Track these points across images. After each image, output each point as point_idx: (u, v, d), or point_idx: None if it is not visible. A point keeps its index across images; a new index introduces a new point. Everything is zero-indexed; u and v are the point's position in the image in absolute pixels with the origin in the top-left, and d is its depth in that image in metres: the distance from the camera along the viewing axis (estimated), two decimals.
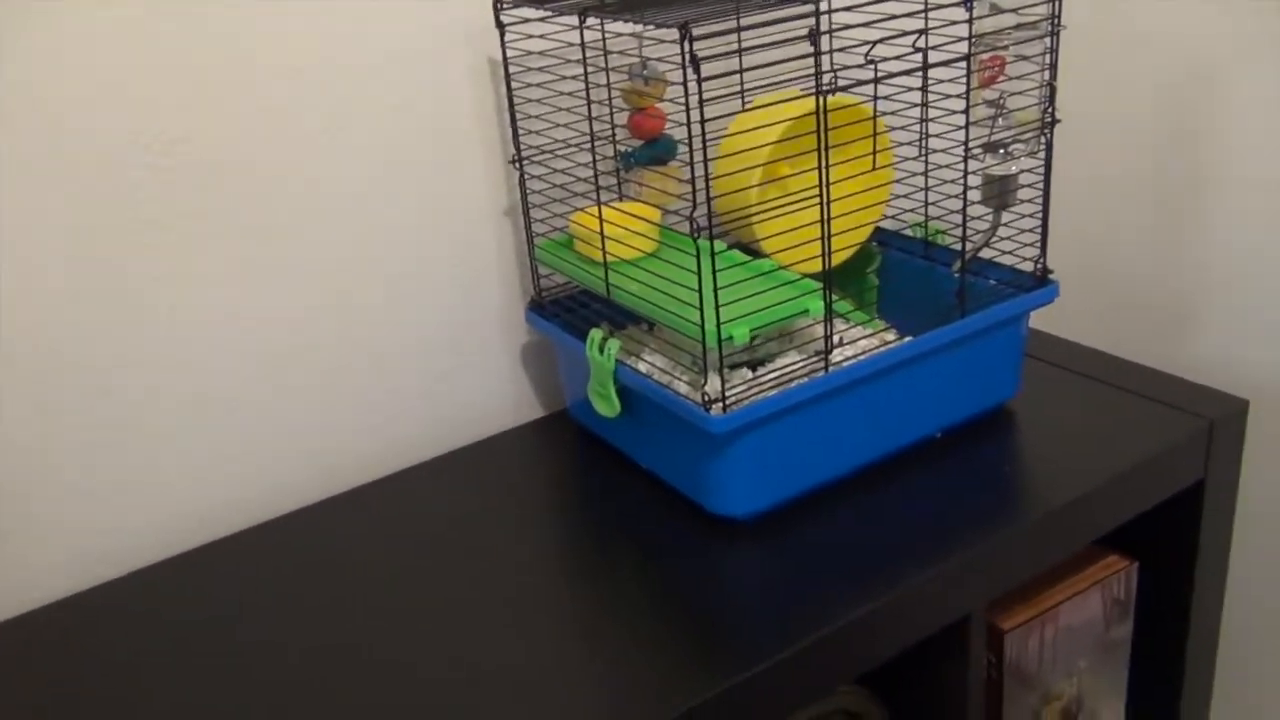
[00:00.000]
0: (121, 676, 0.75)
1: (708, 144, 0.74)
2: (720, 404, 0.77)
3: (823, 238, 0.80)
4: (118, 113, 0.80)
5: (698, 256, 0.76)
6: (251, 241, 0.88)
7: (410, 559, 0.84)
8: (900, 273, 1.03)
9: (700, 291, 0.76)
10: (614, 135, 0.93)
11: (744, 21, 0.74)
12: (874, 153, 0.87)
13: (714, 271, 0.75)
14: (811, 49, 0.73)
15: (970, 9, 0.80)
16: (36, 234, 0.79)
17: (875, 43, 0.77)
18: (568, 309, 0.97)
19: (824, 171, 0.77)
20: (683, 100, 0.71)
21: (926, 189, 0.98)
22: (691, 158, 0.73)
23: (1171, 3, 1.10)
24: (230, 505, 0.92)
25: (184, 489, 0.90)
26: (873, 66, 0.78)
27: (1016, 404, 0.98)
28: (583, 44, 0.84)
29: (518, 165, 0.94)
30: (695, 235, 0.74)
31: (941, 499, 0.85)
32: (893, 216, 1.01)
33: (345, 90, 0.89)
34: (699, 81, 0.69)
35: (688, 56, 0.69)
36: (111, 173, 0.81)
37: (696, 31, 0.69)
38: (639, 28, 0.86)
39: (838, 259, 0.93)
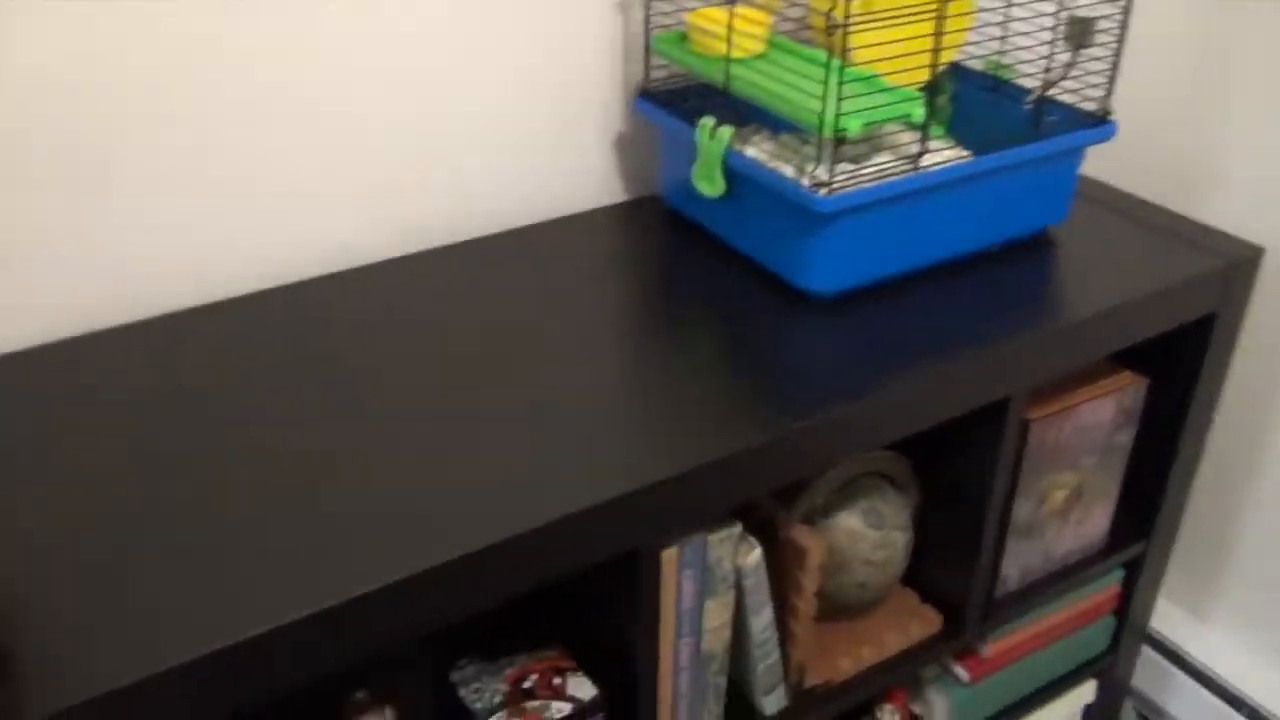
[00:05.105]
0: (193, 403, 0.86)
1: None
2: (827, 187, 0.88)
3: (934, 50, 0.89)
4: None
5: (829, 54, 0.85)
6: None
7: (493, 313, 0.95)
8: (968, 102, 1.13)
9: (826, 85, 0.86)
10: None
11: None
12: None
13: (841, 68, 0.85)
14: None
15: None
16: None
17: None
18: (670, 102, 1.06)
19: None
20: None
21: (1003, 25, 1.07)
22: None
23: None
24: (312, 250, 1.01)
25: (264, 229, 0.98)
26: None
27: (1061, 230, 1.09)
28: None
29: None
30: (830, 31, 0.84)
31: (991, 301, 0.97)
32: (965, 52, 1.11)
33: None
34: None
35: None
36: None
37: None
38: None
39: (922, 76, 1.03)
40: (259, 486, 0.74)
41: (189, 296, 0.96)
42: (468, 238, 1.08)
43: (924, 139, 0.93)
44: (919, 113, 0.91)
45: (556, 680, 0.86)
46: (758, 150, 0.97)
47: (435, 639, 0.91)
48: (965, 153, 0.99)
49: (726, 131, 0.96)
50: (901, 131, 0.99)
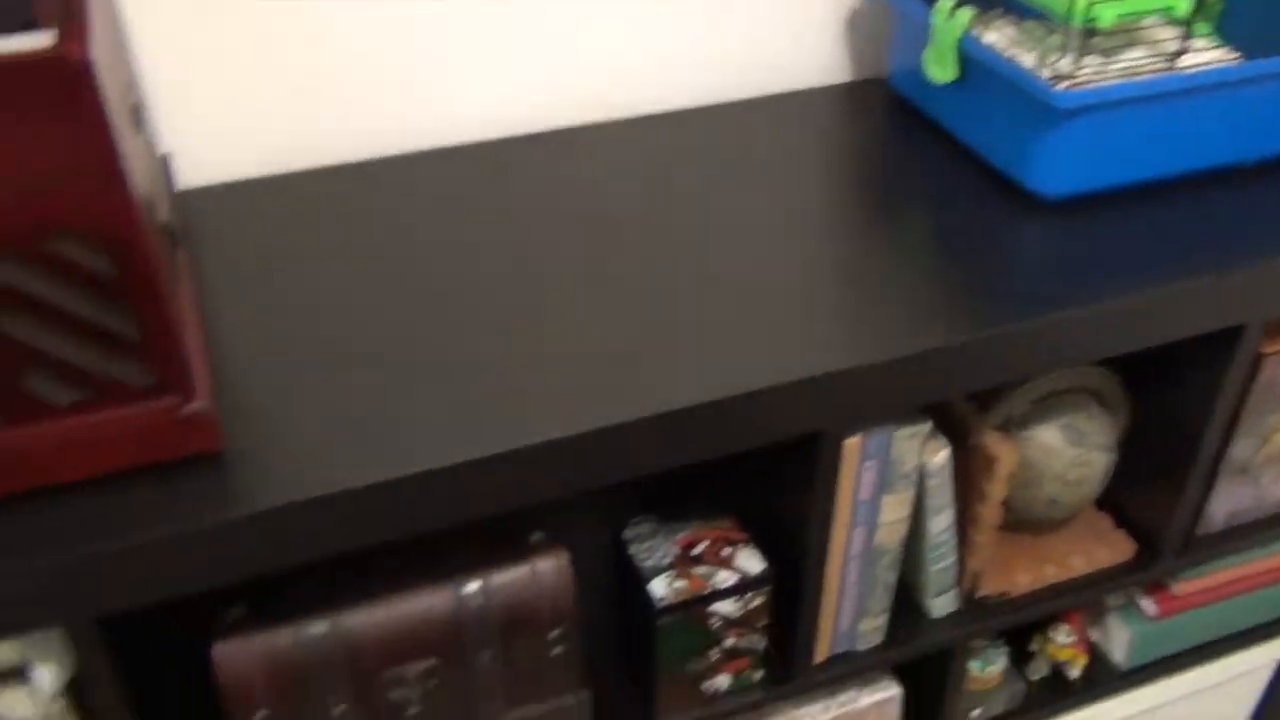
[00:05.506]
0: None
1: None
2: (1068, 80, 0.83)
3: None
4: None
5: None
6: None
7: (705, 183, 0.94)
8: None
9: None
10: None
11: None
12: None
13: None
14: None
15: None
16: None
17: None
18: None
19: None
20: None
21: None
22: None
23: None
24: (553, 100, 1.03)
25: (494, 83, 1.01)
26: None
27: None
28: None
29: None
30: None
31: (1240, 220, 0.90)
32: None
33: None
34: None
35: None
36: None
37: None
38: None
39: None
40: (481, 327, 0.77)
41: (393, 147, 1.00)
42: (686, 106, 1.07)
43: (1186, 36, 0.85)
44: (1184, 6, 0.83)
45: (726, 550, 0.88)
46: (998, 35, 0.92)
47: (612, 494, 0.94)
48: (1233, 55, 0.91)
49: (966, 13, 0.90)
50: (1162, 25, 0.92)
